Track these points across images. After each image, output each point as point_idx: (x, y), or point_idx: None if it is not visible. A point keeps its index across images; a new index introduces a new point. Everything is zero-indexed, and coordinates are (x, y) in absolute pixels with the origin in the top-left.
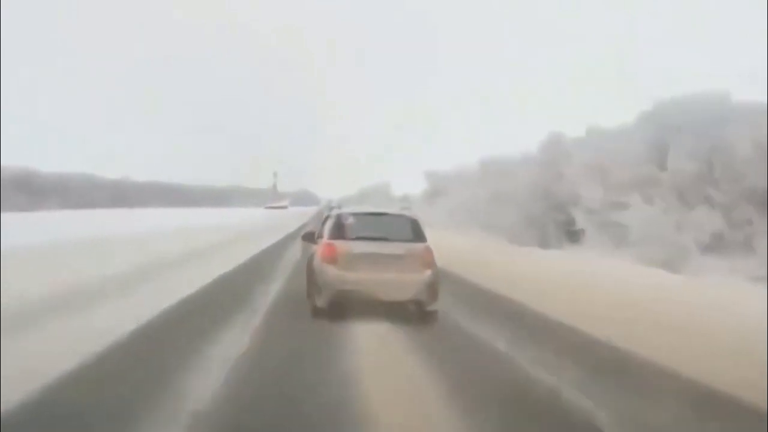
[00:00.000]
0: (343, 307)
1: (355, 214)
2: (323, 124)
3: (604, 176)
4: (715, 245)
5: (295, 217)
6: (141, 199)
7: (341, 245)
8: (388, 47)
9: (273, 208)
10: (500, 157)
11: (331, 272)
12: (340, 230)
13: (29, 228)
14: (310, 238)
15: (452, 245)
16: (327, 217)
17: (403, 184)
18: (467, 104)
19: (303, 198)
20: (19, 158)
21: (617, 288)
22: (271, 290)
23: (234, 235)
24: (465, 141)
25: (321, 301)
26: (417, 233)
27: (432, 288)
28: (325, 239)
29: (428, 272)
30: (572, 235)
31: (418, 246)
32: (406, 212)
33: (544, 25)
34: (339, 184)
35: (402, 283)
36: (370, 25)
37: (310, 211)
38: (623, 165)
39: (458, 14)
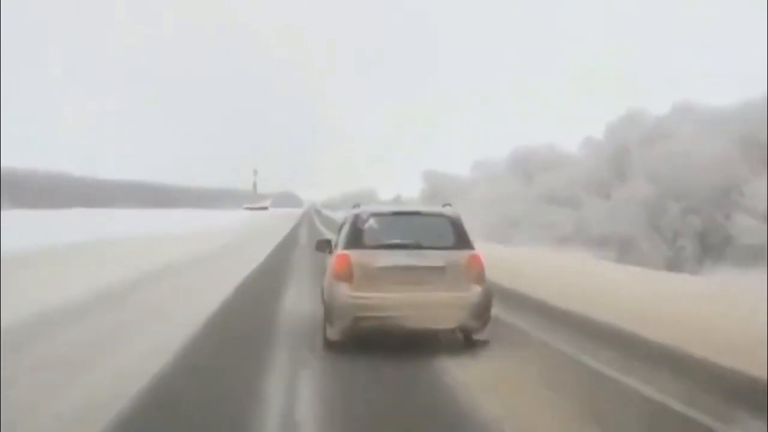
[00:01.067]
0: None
1: (377, 215)
2: (307, 126)
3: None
4: None
5: (282, 221)
6: (110, 198)
7: (358, 256)
8: (368, 49)
9: (252, 209)
10: (540, 147)
11: (345, 293)
12: (356, 236)
13: None
14: (326, 246)
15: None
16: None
17: (394, 186)
18: (462, 104)
19: (286, 199)
20: None
21: None
22: None
23: (200, 251)
24: (462, 141)
25: (332, 332)
26: (460, 237)
27: (482, 310)
28: (338, 249)
29: (477, 289)
30: (718, 250)
31: (463, 254)
32: (446, 210)
33: (543, 24)
34: (323, 186)
35: (442, 305)
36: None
37: (295, 213)
38: None
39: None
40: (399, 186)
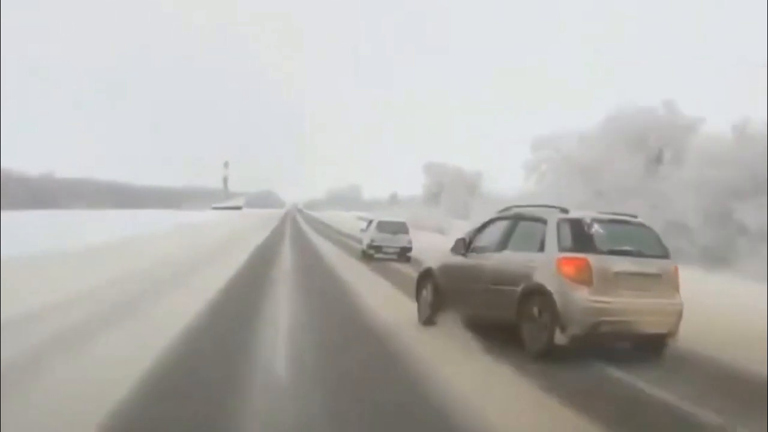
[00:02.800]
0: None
1: (597, 220)
2: (290, 123)
3: None
4: None
5: (257, 225)
6: (69, 199)
7: (595, 260)
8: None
9: (222, 209)
10: (655, 107)
11: (584, 296)
12: (584, 240)
13: None
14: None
15: None
16: (510, 223)
17: (383, 184)
18: (456, 100)
19: (264, 199)
20: None
21: None
22: None
23: None
24: (458, 136)
25: (561, 337)
26: (663, 248)
27: (680, 318)
28: (561, 252)
29: (679, 297)
30: None
31: (670, 263)
32: (643, 220)
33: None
34: (306, 185)
35: (661, 311)
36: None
37: (276, 214)
38: None
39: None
40: (389, 184)
